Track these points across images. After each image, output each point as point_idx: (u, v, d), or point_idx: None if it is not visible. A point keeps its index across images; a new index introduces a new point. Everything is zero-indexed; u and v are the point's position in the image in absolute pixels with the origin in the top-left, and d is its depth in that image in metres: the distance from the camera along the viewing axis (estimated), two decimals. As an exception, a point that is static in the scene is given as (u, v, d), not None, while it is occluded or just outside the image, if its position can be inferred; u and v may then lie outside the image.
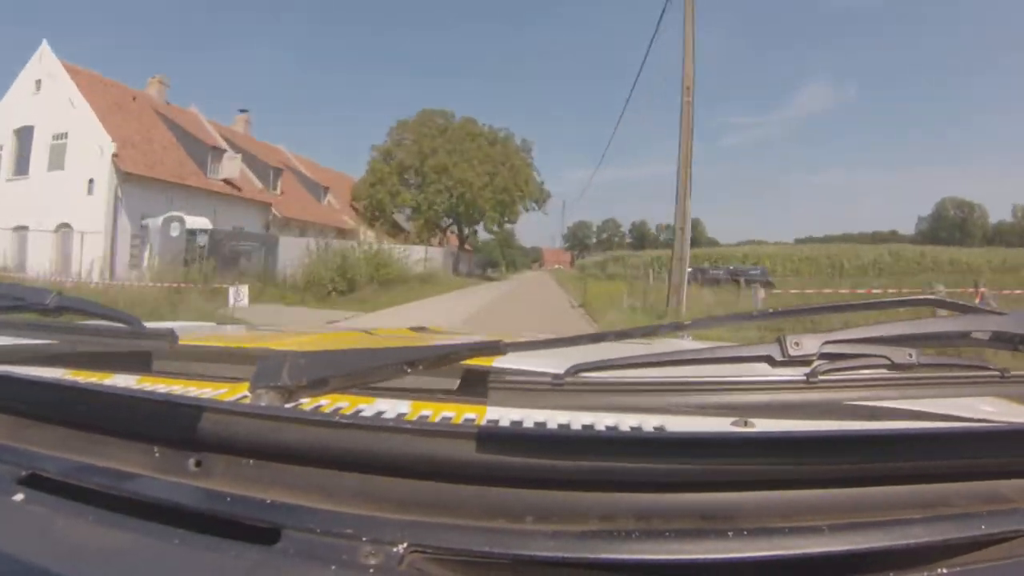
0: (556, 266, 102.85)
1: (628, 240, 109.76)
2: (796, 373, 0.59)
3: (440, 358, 0.61)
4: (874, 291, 11.31)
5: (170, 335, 0.79)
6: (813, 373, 0.58)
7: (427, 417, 0.63)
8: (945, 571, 0.40)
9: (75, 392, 0.58)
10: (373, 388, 0.63)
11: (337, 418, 0.48)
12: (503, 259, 75.59)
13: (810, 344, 0.57)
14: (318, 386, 0.56)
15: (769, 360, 0.57)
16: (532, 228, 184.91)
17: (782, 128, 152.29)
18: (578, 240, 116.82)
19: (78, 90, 16.23)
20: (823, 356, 0.57)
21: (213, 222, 15.81)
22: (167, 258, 13.41)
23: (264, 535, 0.42)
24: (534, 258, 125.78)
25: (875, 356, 0.57)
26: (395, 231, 34.10)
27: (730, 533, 0.40)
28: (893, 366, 0.57)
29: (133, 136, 16.78)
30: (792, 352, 0.57)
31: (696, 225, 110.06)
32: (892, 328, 0.58)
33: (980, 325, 0.58)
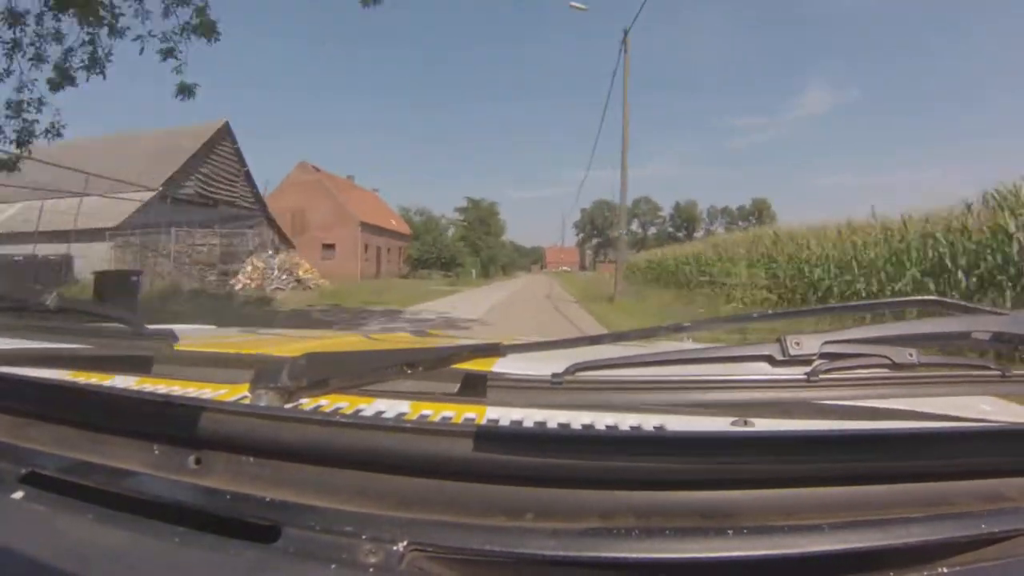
0: (563, 268, 73.82)
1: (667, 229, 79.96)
2: (796, 373, 0.58)
3: (440, 360, 0.61)
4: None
5: (170, 336, 0.79)
6: (814, 373, 0.57)
7: (427, 417, 0.63)
8: (945, 570, 0.40)
9: (75, 391, 0.58)
10: (373, 389, 0.64)
11: (337, 417, 0.49)
12: (477, 259, 44.46)
13: (811, 344, 0.57)
14: (318, 387, 0.56)
15: (770, 360, 0.57)
16: (533, 225, 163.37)
17: (788, 128, 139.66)
18: (595, 229, 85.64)
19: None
20: (823, 356, 0.57)
21: None
22: None
23: (264, 533, 0.42)
24: (535, 259, 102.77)
25: (875, 356, 0.57)
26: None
27: (730, 532, 0.40)
28: (894, 366, 0.57)
29: None
30: (793, 352, 0.57)
31: (764, 208, 79.72)
32: (893, 328, 0.58)
33: (980, 325, 0.58)
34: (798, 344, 0.56)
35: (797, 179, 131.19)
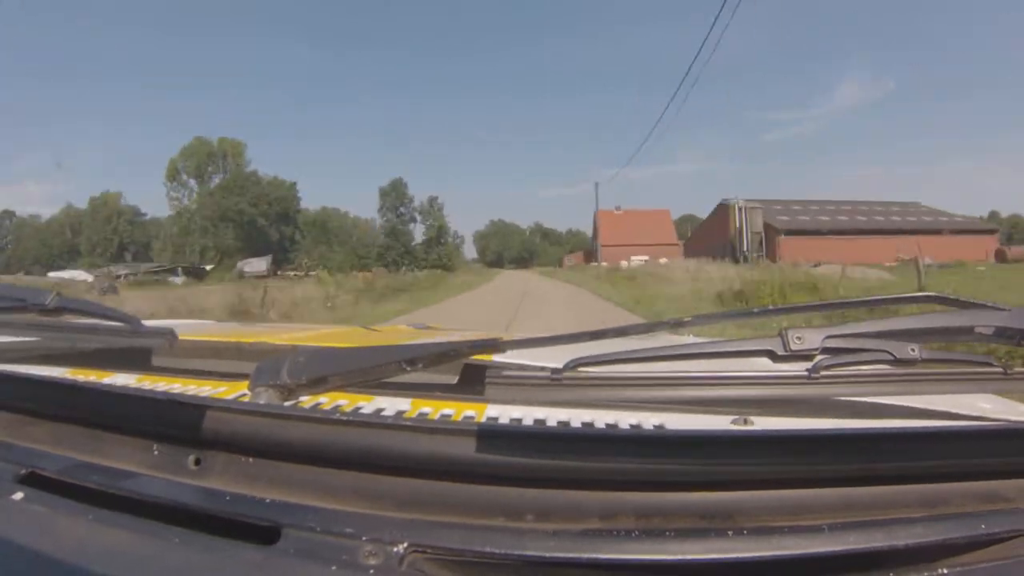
0: (637, 259, 36.32)
1: None
2: (798, 368, 0.58)
3: (439, 356, 0.61)
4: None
5: (170, 334, 0.79)
6: (815, 368, 0.57)
7: (427, 415, 0.63)
8: (945, 571, 0.40)
9: (75, 390, 0.58)
10: (372, 385, 0.64)
11: (337, 415, 0.48)
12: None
13: (812, 339, 0.56)
14: (317, 384, 0.56)
15: (771, 355, 0.57)
16: (572, 203, 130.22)
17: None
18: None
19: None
20: (825, 351, 0.56)
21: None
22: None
23: (264, 534, 0.42)
24: (573, 246, 76.62)
25: (877, 351, 0.56)
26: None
27: (730, 532, 0.40)
28: (895, 362, 0.56)
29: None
30: (794, 347, 0.56)
31: None
32: (894, 323, 0.58)
33: (982, 321, 0.58)
34: (799, 339, 0.55)
35: (825, 173, 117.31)
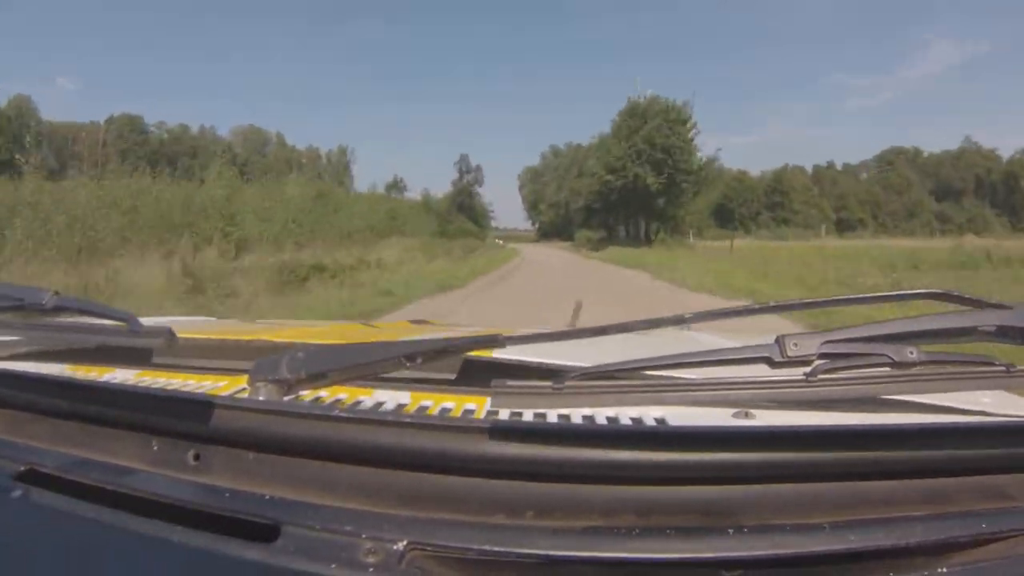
0: None
1: None
2: (795, 374, 0.58)
3: (439, 352, 0.61)
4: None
5: (168, 331, 0.78)
6: (813, 373, 0.57)
7: (426, 409, 0.64)
8: (945, 570, 0.40)
9: (73, 387, 0.58)
10: (372, 379, 0.65)
11: (337, 411, 0.48)
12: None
13: (809, 344, 0.56)
14: (317, 379, 0.56)
15: (768, 361, 0.56)
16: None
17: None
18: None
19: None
20: (823, 356, 0.56)
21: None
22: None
23: (263, 531, 0.42)
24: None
25: (876, 355, 0.56)
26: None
27: (731, 530, 0.41)
28: (895, 364, 0.56)
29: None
30: (791, 352, 0.56)
31: None
32: (893, 326, 0.58)
33: (985, 320, 0.58)
34: (796, 345, 0.55)
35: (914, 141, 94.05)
